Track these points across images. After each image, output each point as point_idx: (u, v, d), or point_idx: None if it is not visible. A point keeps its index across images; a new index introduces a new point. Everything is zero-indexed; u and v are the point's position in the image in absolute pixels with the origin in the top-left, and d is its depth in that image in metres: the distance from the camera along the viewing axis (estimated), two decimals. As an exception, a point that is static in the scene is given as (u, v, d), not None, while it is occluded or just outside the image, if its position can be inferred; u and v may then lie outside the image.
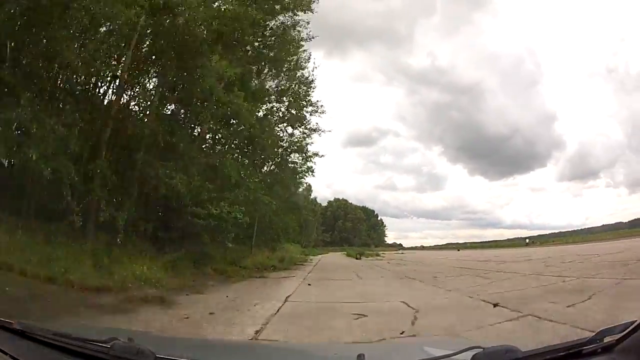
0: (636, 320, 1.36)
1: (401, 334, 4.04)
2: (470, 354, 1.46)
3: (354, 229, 56.88)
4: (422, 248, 40.99)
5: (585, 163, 34.42)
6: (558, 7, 46.84)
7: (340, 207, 57.92)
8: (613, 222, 27.53)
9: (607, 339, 1.40)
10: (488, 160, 38.12)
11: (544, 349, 1.47)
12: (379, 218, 59.92)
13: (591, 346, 1.41)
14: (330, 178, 41.43)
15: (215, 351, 2.29)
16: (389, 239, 66.89)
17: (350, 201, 59.19)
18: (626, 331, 1.37)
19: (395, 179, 52.29)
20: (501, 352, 1.47)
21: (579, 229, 30.01)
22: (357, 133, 42.42)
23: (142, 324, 4.50)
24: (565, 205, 40.08)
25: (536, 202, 44.92)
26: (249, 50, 14.62)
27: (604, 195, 36.10)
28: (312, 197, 39.10)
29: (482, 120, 34.90)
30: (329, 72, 45.77)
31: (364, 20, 39.87)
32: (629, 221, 25.68)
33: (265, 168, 21.90)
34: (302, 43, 18.22)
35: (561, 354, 1.44)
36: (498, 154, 35.75)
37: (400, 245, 58.46)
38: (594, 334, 1.42)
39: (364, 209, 56.35)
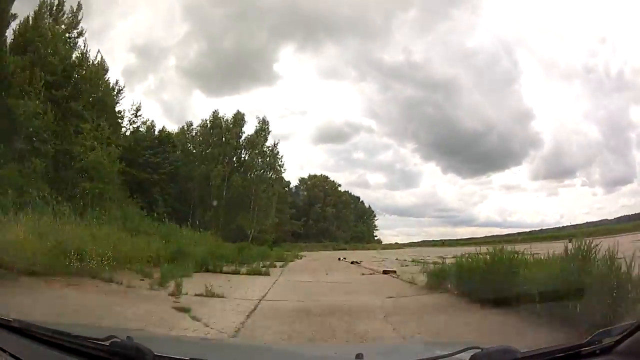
0: (634, 322, 1.38)
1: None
2: (468, 354, 1.47)
3: (338, 217, 41.77)
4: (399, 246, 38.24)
5: (562, 162, 34.19)
6: (538, 6, 46.64)
7: (317, 186, 42.57)
8: (596, 219, 29.45)
9: (605, 341, 1.42)
10: (462, 157, 37.80)
11: (542, 349, 1.48)
12: (367, 206, 44.08)
13: (589, 348, 1.42)
14: (301, 175, 39.73)
15: (214, 350, 2.29)
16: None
17: (334, 180, 43.04)
18: (624, 333, 1.39)
19: (368, 176, 47.63)
20: (499, 353, 1.47)
21: (557, 227, 28.71)
22: (329, 129, 41.15)
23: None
24: (540, 203, 39.70)
25: (510, 200, 44.53)
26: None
27: (580, 194, 35.89)
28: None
29: (457, 117, 34.73)
30: (301, 66, 45.18)
31: (340, 11, 39.63)
32: (615, 218, 25.14)
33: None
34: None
35: (559, 355, 1.45)
36: (472, 152, 35.53)
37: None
38: (592, 335, 1.44)
39: (348, 194, 42.73)
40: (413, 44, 41.34)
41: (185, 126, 29.25)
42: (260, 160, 30.10)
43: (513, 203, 42.86)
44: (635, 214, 26.10)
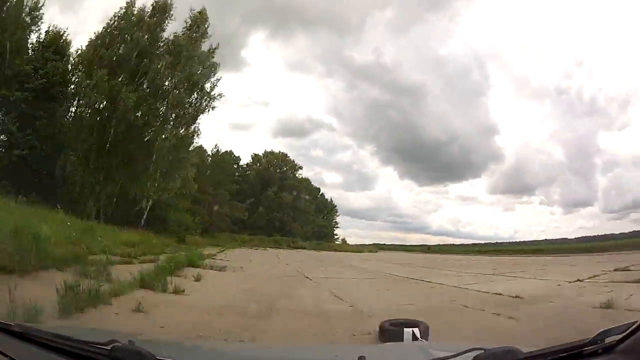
0: (637, 321, 1.41)
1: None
2: (471, 355, 1.48)
3: (296, 207, 35.44)
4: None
5: (522, 179, 34.49)
6: (518, 22, 46.75)
7: (273, 164, 36.89)
8: (553, 237, 31.26)
9: (608, 340, 1.44)
10: (421, 164, 37.81)
11: (545, 350, 1.51)
12: (328, 199, 39.03)
13: (592, 347, 1.44)
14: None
15: (215, 354, 2.34)
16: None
17: (294, 160, 37.64)
18: (627, 332, 1.41)
19: (324, 175, 46.71)
20: (502, 354, 1.48)
21: (511, 241, 32.67)
22: (290, 123, 40.16)
23: None
24: (495, 217, 39.64)
25: (465, 212, 44.20)
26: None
27: (537, 212, 36.03)
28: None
29: (421, 123, 34.76)
30: (269, 55, 44.26)
31: (316, 3, 39.29)
32: (575, 238, 29.41)
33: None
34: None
35: (562, 355, 1.47)
36: (432, 160, 35.55)
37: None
38: (594, 335, 1.46)
39: (308, 182, 37.65)
40: (385, 45, 41.67)
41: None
42: (180, 74, 19.35)
43: (468, 214, 43.29)
44: (595, 235, 27.81)
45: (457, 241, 34.64)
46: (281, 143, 47.00)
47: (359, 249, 33.97)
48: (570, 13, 45.61)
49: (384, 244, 35.23)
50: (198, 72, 20.27)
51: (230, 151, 35.50)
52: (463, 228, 42.46)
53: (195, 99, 20.76)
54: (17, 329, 1.65)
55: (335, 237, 37.78)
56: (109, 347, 1.47)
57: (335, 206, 38.21)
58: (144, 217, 19.52)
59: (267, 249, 28.38)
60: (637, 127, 38.71)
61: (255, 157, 37.35)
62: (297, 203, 35.30)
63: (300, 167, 37.64)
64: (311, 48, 44.65)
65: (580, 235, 28.74)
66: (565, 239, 28.96)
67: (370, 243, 35.46)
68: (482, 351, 1.49)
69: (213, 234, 28.70)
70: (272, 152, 37.23)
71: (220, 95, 21.29)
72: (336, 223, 38.47)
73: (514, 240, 31.65)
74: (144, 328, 4.68)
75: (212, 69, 21.09)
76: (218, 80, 21.25)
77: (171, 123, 20.53)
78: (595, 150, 35.21)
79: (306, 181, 37.72)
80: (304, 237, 33.97)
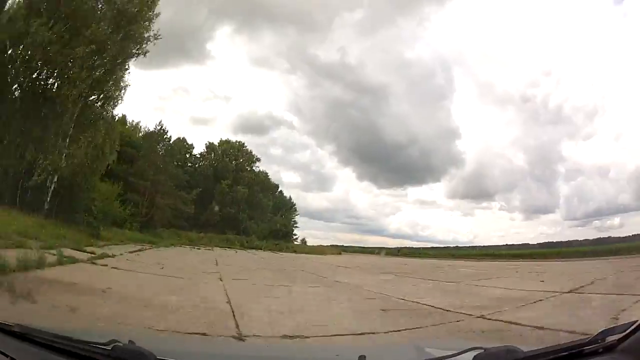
0: (637, 321, 1.43)
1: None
2: (472, 354, 1.48)
3: (252, 203, 32.77)
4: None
5: (482, 184, 35.80)
6: (485, 29, 48.75)
7: (230, 155, 34.22)
8: (512, 243, 32.01)
9: (608, 339, 1.45)
10: (380, 166, 38.82)
11: (546, 349, 1.52)
12: (287, 196, 37.25)
13: (593, 346, 1.46)
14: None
15: (216, 353, 2.33)
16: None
17: (251, 151, 35.30)
18: (627, 331, 1.43)
19: (283, 174, 46.51)
20: (503, 353, 1.48)
21: (470, 245, 33.82)
22: (250, 119, 39.91)
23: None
24: (454, 221, 41.12)
25: (424, 215, 45.62)
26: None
27: (497, 217, 37.52)
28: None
29: (382, 125, 35.62)
30: (234, 49, 44.38)
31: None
32: (537, 243, 30.67)
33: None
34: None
35: (563, 354, 1.47)
36: (391, 162, 36.53)
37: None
38: (595, 334, 1.49)
39: (265, 176, 35.67)
40: (351, 45, 41.62)
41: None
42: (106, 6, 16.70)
43: (426, 218, 44.33)
44: (557, 241, 29.12)
45: (416, 244, 35.40)
46: (240, 139, 46.11)
47: (321, 250, 31.73)
48: (542, 23, 47.38)
49: (343, 246, 35.01)
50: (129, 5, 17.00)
51: (184, 138, 33.44)
52: (421, 231, 43.58)
53: (122, 37, 17.24)
54: (18, 330, 1.68)
55: (295, 237, 36.30)
56: (109, 347, 1.49)
57: (295, 204, 36.79)
58: (48, 198, 15.60)
59: (214, 248, 25.05)
60: (603, 138, 40.57)
61: (210, 146, 34.61)
62: (253, 198, 32.83)
63: (258, 159, 35.31)
64: (277, 44, 45.03)
65: (542, 241, 30.11)
66: (527, 244, 30.21)
67: (329, 244, 34.88)
68: (482, 350, 1.50)
69: (156, 230, 25.26)
70: (228, 141, 34.55)
71: (157, 35, 17.96)
72: (295, 222, 36.92)
73: (473, 245, 32.80)
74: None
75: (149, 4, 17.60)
76: (156, 15, 18.04)
77: (86, 66, 16.28)
78: (558, 158, 36.93)
79: (264, 175, 35.44)
80: (260, 236, 31.57)
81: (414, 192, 52.17)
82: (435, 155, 38.52)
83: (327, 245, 34.21)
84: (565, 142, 44.37)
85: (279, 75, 46.81)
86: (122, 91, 18.23)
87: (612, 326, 1.46)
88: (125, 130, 25.27)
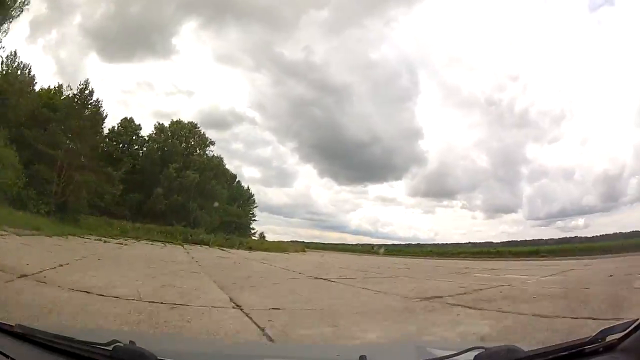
0: (638, 319, 1.45)
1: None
2: (472, 354, 1.48)
3: (204, 191, 30.23)
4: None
5: (443, 183, 37.30)
6: (452, 33, 50.20)
7: (180, 137, 31.57)
8: (475, 241, 32.24)
9: (609, 338, 1.47)
10: (341, 163, 39.89)
11: (546, 348, 1.53)
12: (245, 187, 35.14)
13: (593, 345, 1.47)
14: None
15: (217, 353, 2.40)
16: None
17: (204, 133, 33.05)
18: (627, 330, 1.45)
19: (244, 169, 46.51)
20: (503, 352, 1.48)
21: (432, 243, 34.37)
22: (212, 115, 39.99)
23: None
24: (415, 219, 42.22)
25: (384, 212, 47.23)
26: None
27: (458, 215, 38.96)
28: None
29: (344, 123, 36.58)
30: (199, 44, 44.78)
31: None
32: (500, 242, 31.21)
33: None
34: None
35: (563, 353, 1.48)
36: (353, 160, 37.67)
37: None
38: (595, 333, 1.49)
39: (220, 162, 32.91)
40: (316, 44, 42.33)
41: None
42: None
43: (387, 215, 45.84)
44: (521, 240, 29.98)
45: (375, 241, 35.45)
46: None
47: (282, 247, 28.70)
48: (511, 28, 48.50)
49: (303, 242, 34.04)
50: None
51: (131, 118, 30.88)
52: (382, 228, 44.33)
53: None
54: (19, 330, 1.70)
55: (253, 231, 34.30)
56: (110, 348, 1.51)
57: (253, 196, 35.01)
58: None
59: (139, 240, 21.41)
60: (569, 141, 42.01)
61: (159, 127, 31.52)
62: (205, 185, 29.76)
63: (212, 143, 32.32)
64: (242, 41, 44.83)
65: (505, 240, 30.98)
66: (491, 242, 31.03)
67: (289, 240, 33.78)
68: (483, 350, 1.51)
69: (75, 216, 21.16)
70: (179, 122, 31.59)
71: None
72: (253, 215, 34.70)
73: (434, 242, 33.43)
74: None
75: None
76: None
77: None
78: (522, 160, 38.14)
79: (218, 160, 32.31)
80: (210, 228, 28.49)
81: (374, 189, 53.40)
82: (398, 154, 39.55)
83: (288, 241, 32.49)
84: (530, 145, 45.92)
85: (243, 72, 47.87)
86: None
87: (612, 325, 1.47)
88: (43, 94, 22.93)
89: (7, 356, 1.54)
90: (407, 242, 34.38)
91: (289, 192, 42.38)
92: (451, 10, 51.73)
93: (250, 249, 25.31)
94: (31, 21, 33.71)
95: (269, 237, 33.65)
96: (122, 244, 18.16)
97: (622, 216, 30.56)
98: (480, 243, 30.44)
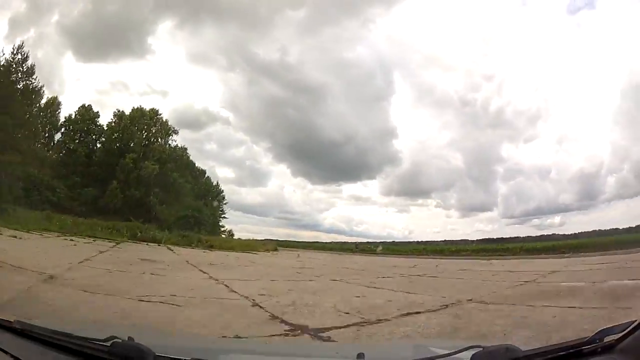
0: (636, 320, 1.45)
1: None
2: (470, 353, 1.48)
3: (165, 184, 27.83)
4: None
5: (418, 182, 38.55)
6: (428, 33, 51.73)
7: (139, 124, 29.04)
8: (457, 238, 33.10)
9: (607, 339, 1.47)
10: (315, 163, 40.83)
11: (544, 348, 1.53)
12: (214, 182, 34.03)
13: (591, 346, 1.47)
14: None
15: (215, 350, 2.40)
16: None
17: (167, 120, 31.03)
18: (626, 331, 1.45)
19: (217, 170, 46.77)
20: (501, 351, 1.47)
21: (407, 241, 34.66)
22: (186, 115, 39.94)
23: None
24: (389, 218, 43.70)
25: (358, 211, 48.67)
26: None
27: (433, 214, 40.35)
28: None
29: (318, 122, 37.41)
30: (174, 44, 45.16)
31: None
32: (476, 240, 31.71)
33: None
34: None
35: (561, 353, 1.48)
36: (326, 159, 38.60)
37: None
38: (594, 333, 1.49)
39: (184, 152, 30.94)
40: (292, 44, 42.96)
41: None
42: None
43: (361, 214, 47.29)
44: (497, 238, 30.31)
45: (350, 239, 35.84)
46: (176, 135, 45.61)
47: (251, 245, 26.12)
48: (487, 28, 49.91)
49: (278, 240, 34.03)
50: None
51: (89, 105, 28.71)
52: (356, 227, 44.86)
53: None
54: (17, 326, 1.72)
55: (222, 229, 33.13)
56: (108, 344, 1.53)
57: (223, 192, 33.97)
58: None
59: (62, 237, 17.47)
60: (545, 141, 43.14)
61: (119, 114, 28.96)
62: (166, 178, 27.29)
63: (176, 132, 29.98)
64: (217, 41, 44.86)
65: (480, 237, 31.46)
66: (467, 240, 31.69)
67: (264, 239, 32.41)
68: (481, 349, 1.50)
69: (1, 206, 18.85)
70: (140, 109, 29.11)
71: None
72: (222, 212, 33.42)
73: (408, 240, 33.69)
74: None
75: None
76: None
77: None
78: (497, 159, 39.00)
79: (181, 151, 30.18)
80: (168, 224, 26.03)
81: (348, 188, 54.25)
82: (372, 153, 40.38)
83: (261, 240, 30.64)
84: (505, 144, 46.80)
85: (217, 72, 48.76)
86: None
87: (610, 325, 1.47)
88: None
89: (6, 352, 1.58)
90: (382, 240, 34.61)
91: (263, 191, 42.31)
92: (427, 10, 53.26)
93: (210, 247, 22.22)
94: (10, 19, 31.82)
95: (244, 236, 32.75)
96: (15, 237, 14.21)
97: (600, 214, 31.06)
98: (456, 241, 30.79)
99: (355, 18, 47.79)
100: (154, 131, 28.88)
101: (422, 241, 31.77)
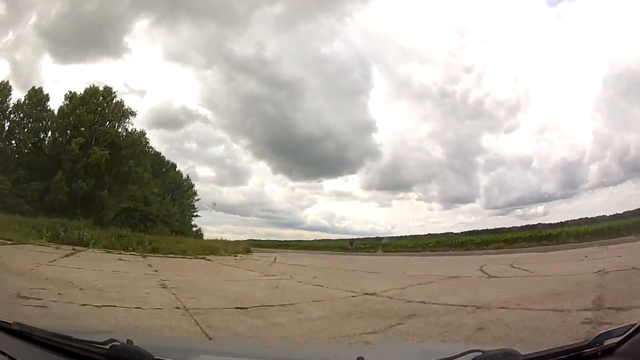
0: (636, 323, 1.44)
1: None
2: (470, 357, 1.47)
3: (118, 173, 24.96)
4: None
5: (398, 175, 39.45)
6: (405, 26, 52.84)
7: (91, 104, 25.21)
8: (442, 232, 32.78)
9: (607, 342, 1.45)
10: (295, 159, 41.24)
11: (544, 352, 1.52)
12: (184, 176, 32.11)
13: (591, 349, 1.45)
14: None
15: (214, 352, 2.39)
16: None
17: (123, 100, 28.02)
18: (626, 334, 1.44)
19: (197, 169, 46.58)
20: (501, 356, 1.45)
21: (389, 236, 34.27)
22: (164, 114, 39.29)
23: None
24: (371, 212, 44.36)
25: (340, 207, 49.54)
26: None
27: (415, 207, 41.35)
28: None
29: (296, 118, 37.84)
30: (151, 42, 44.47)
31: None
32: (461, 232, 31.72)
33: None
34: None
35: (561, 357, 1.46)
36: (306, 155, 39.08)
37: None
38: (594, 337, 1.49)
39: (143, 139, 27.21)
40: (268, 39, 43.16)
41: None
42: None
43: (342, 210, 47.56)
44: (482, 229, 30.38)
45: (333, 236, 36.00)
46: (155, 134, 50.79)
47: (215, 247, 21.56)
48: (464, 19, 50.66)
49: (260, 240, 33.46)
50: None
51: (40, 88, 25.56)
52: (338, 223, 45.09)
53: None
54: (17, 328, 1.73)
55: (195, 228, 31.07)
56: (107, 347, 1.53)
57: (194, 185, 32.00)
58: None
59: None
60: (526, 131, 43.52)
61: (70, 96, 25.24)
62: (120, 167, 23.67)
63: (133, 114, 25.98)
64: (194, 38, 45.11)
65: (464, 230, 31.32)
66: (451, 232, 31.55)
67: (246, 239, 32.22)
68: (480, 353, 1.49)
69: None
70: (93, 88, 25.58)
71: None
72: (194, 209, 31.22)
73: (392, 235, 33.37)
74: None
75: None
76: None
77: None
78: (478, 151, 39.33)
79: (138, 135, 26.09)
80: (110, 221, 22.91)
81: (329, 184, 54.88)
82: (351, 148, 40.94)
83: (240, 240, 28.17)
84: (485, 135, 46.95)
85: (195, 70, 49.68)
86: None
87: (610, 329, 1.47)
88: None
89: (4, 354, 1.59)
90: (365, 237, 34.17)
91: (244, 190, 41.53)
92: (404, 3, 54.13)
93: (153, 251, 18.12)
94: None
95: (227, 237, 30.26)
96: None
97: (582, 202, 31.05)
98: (440, 234, 30.59)
99: (331, 13, 47.98)
100: (107, 112, 24.91)
101: (435, 234, 30.87)
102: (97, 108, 24.50)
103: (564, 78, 42.63)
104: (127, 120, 25.34)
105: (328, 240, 34.55)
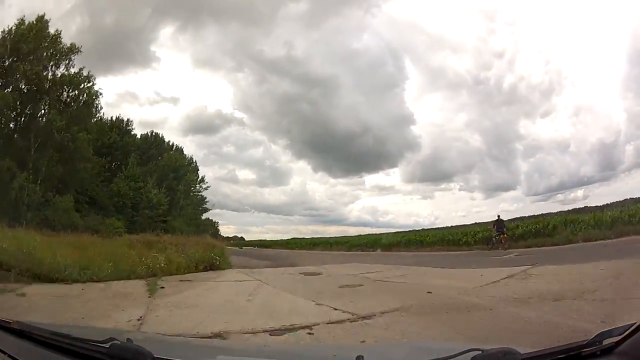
0: (635, 323, 1.44)
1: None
2: (469, 356, 1.47)
3: (75, 149, 19.29)
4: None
5: (439, 167, 39.04)
6: (433, 15, 51.75)
7: (35, 41, 19.94)
8: (486, 220, 31.58)
9: (606, 342, 1.45)
10: (334, 156, 41.36)
11: (543, 351, 1.51)
12: (189, 157, 30.42)
13: (590, 349, 1.45)
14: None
15: (214, 352, 2.39)
16: (228, 231, 37.32)
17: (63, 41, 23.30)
18: (625, 333, 1.44)
19: (238, 172, 47.20)
20: (500, 355, 1.46)
21: (433, 227, 34.23)
22: (200, 119, 39.76)
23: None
24: (414, 205, 43.87)
25: (383, 201, 48.66)
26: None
27: (457, 198, 40.58)
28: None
29: (333, 116, 37.65)
30: (178, 49, 44.35)
31: None
32: (506, 220, 30.38)
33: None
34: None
35: (560, 356, 1.46)
36: (345, 152, 39.04)
37: (242, 238, 38.62)
38: (593, 336, 1.48)
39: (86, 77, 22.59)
40: (297, 38, 42.80)
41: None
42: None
43: (385, 204, 46.76)
44: (524, 216, 29.80)
45: (377, 231, 35.82)
46: (192, 141, 48.30)
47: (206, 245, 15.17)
48: (491, 5, 49.37)
49: (304, 238, 33.50)
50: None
51: None
52: (382, 218, 45.03)
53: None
54: (17, 327, 1.74)
55: (209, 222, 30.37)
56: (107, 345, 1.54)
57: (198, 169, 28.07)
58: None
59: None
60: (561, 114, 44.39)
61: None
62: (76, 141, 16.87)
63: (78, 50, 19.46)
64: (221, 42, 46.40)
65: (509, 218, 30.59)
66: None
67: (289, 238, 33.61)
68: (480, 352, 1.49)
69: None
70: (23, 21, 19.71)
71: None
72: (204, 198, 28.18)
73: (435, 227, 32.66)
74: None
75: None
76: None
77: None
78: (516, 137, 38.48)
79: (85, 80, 19.48)
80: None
81: (371, 179, 54.11)
82: (390, 141, 40.30)
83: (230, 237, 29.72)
84: (522, 121, 46.83)
85: (226, 74, 48.20)
86: None
87: (609, 328, 1.48)
88: None
89: (4, 352, 1.59)
90: (409, 229, 33.08)
91: (286, 190, 41.20)
92: None
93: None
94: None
95: (271, 236, 30.95)
96: None
97: (620, 184, 31.85)
98: (485, 223, 29.25)
99: (357, 6, 47.09)
100: (52, 51, 19.01)
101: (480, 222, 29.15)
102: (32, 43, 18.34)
103: (592, 57, 41.46)
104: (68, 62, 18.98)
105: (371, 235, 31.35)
